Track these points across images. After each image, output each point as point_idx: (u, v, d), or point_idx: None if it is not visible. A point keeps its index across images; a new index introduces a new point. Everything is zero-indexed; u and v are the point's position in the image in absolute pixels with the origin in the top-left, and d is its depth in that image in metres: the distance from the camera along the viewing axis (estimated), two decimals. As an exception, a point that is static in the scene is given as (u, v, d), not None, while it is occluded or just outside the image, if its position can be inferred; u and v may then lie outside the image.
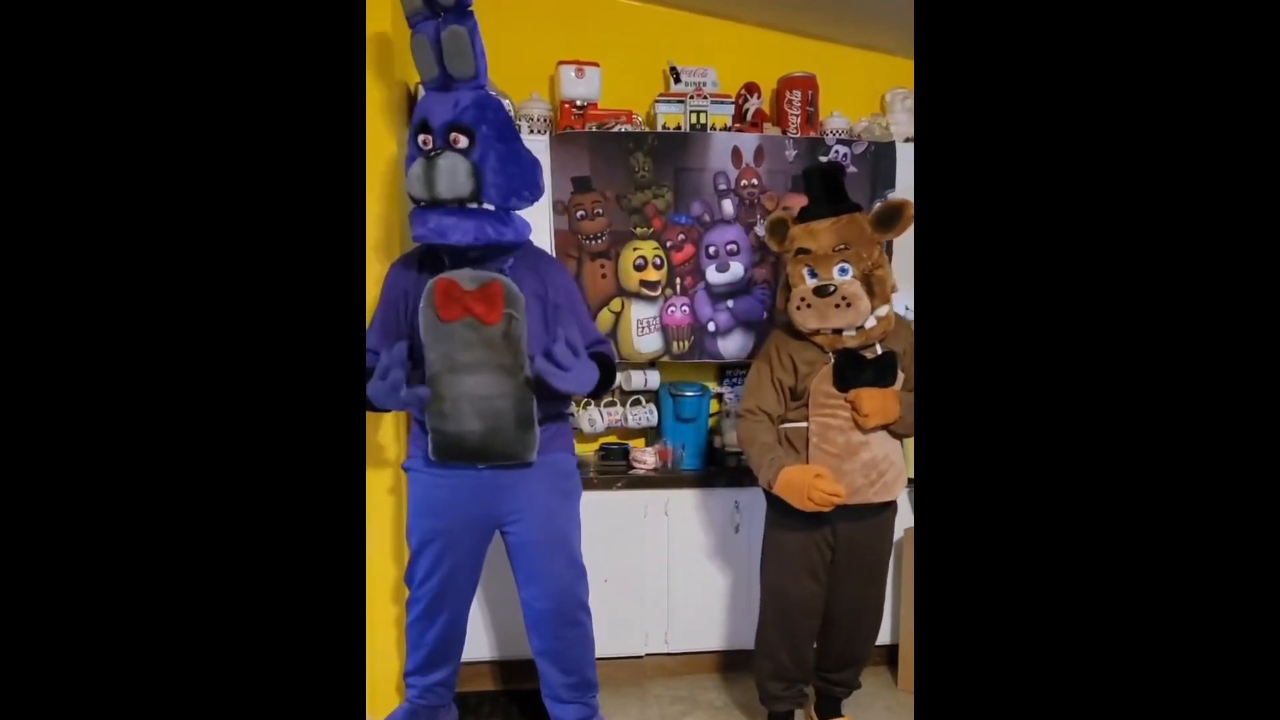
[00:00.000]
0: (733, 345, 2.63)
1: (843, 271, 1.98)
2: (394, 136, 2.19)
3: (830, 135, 2.66)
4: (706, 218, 2.58)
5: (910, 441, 2.48)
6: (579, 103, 2.59)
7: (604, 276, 2.55)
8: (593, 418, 2.65)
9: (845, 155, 2.61)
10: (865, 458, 1.97)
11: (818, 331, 2.00)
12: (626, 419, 2.70)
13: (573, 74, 2.59)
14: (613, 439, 2.79)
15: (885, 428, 2.01)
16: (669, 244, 2.57)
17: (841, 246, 1.98)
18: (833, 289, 1.95)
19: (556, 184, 2.47)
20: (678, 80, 2.69)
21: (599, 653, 2.10)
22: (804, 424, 2.02)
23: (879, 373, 1.99)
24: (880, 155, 2.63)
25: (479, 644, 2.43)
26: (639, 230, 2.56)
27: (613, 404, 2.72)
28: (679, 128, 2.61)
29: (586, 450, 2.70)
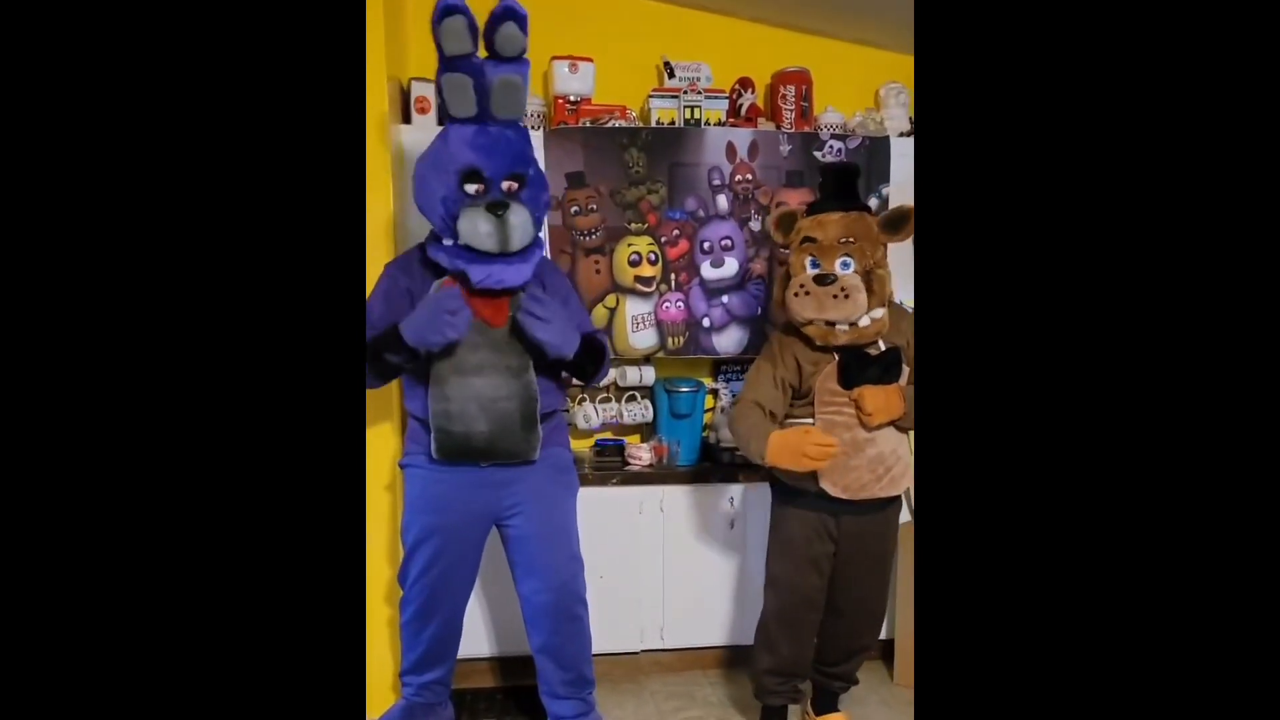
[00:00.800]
0: (728, 341, 2.63)
1: (845, 265, 1.97)
2: (386, 134, 2.18)
3: (824, 130, 2.66)
4: (701, 213, 2.58)
5: (910, 436, 2.49)
6: (573, 98, 2.58)
7: (598, 272, 2.55)
8: (588, 414, 2.64)
9: (840, 150, 2.61)
10: (871, 453, 1.97)
11: (810, 323, 1.98)
12: (622, 415, 2.70)
13: (566, 69, 2.58)
14: (608, 435, 2.79)
15: (891, 424, 2.00)
16: (663, 239, 2.56)
17: (847, 239, 1.98)
18: (832, 279, 1.95)
19: (550, 180, 2.46)
20: (672, 75, 2.68)
21: (595, 649, 2.10)
22: (809, 421, 2.02)
23: (884, 369, 1.99)
24: (875, 150, 2.63)
25: (476, 641, 2.42)
26: (633, 226, 2.55)
27: (608, 400, 2.72)
28: (673, 123, 2.60)
29: (582, 447, 2.69)
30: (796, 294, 1.98)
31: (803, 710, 2.30)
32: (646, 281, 2.57)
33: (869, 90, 2.89)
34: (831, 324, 1.98)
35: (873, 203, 2.61)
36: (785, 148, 2.59)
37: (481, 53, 1.82)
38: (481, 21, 1.79)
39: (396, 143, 2.29)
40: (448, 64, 1.80)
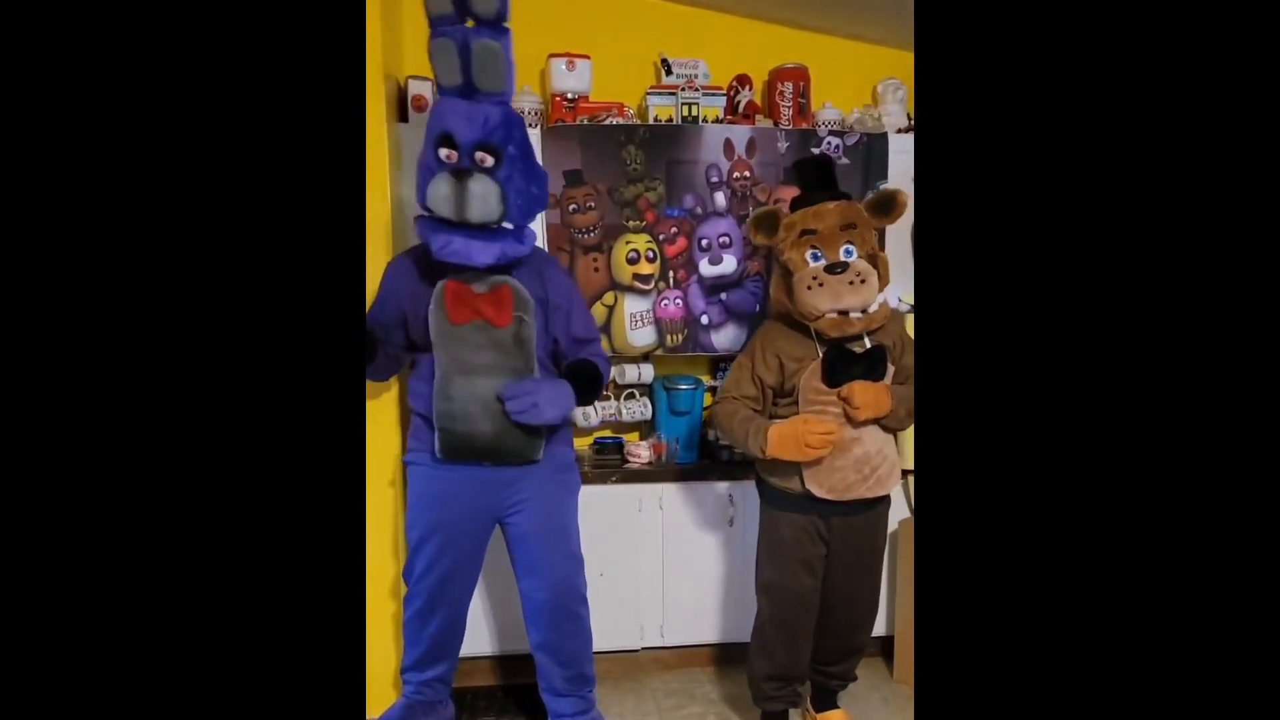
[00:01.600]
0: (726, 338, 2.62)
1: (848, 253, 1.93)
2: (383, 132, 2.17)
3: (822, 126, 2.66)
4: (699, 210, 2.57)
5: (909, 433, 2.48)
6: (570, 95, 2.58)
7: (596, 270, 2.54)
8: (586, 412, 2.64)
9: (837, 147, 2.60)
10: (858, 453, 1.96)
11: (822, 316, 1.93)
12: (620, 413, 2.70)
13: (563, 67, 2.58)
14: (607, 433, 2.79)
15: (877, 421, 1.99)
16: (661, 237, 2.56)
17: (848, 225, 1.94)
18: (844, 266, 1.90)
19: (548, 177, 2.46)
20: (669, 72, 2.68)
21: (594, 647, 2.10)
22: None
23: (869, 367, 1.96)
24: (872, 146, 2.62)
25: (476, 639, 2.42)
26: (631, 224, 2.55)
27: (606, 398, 2.71)
28: (670, 120, 2.60)
29: (581, 445, 2.69)
30: (810, 287, 1.91)
31: (803, 709, 2.30)
32: (645, 279, 2.57)
33: (866, 87, 2.89)
34: (844, 313, 1.93)
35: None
36: (783, 144, 2.59)
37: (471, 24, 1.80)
38: None
39: (393, 141, 2.28)
40: (434, 28, 1.78)
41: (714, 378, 2.84)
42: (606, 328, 2.56)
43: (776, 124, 2.67)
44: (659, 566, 2.54)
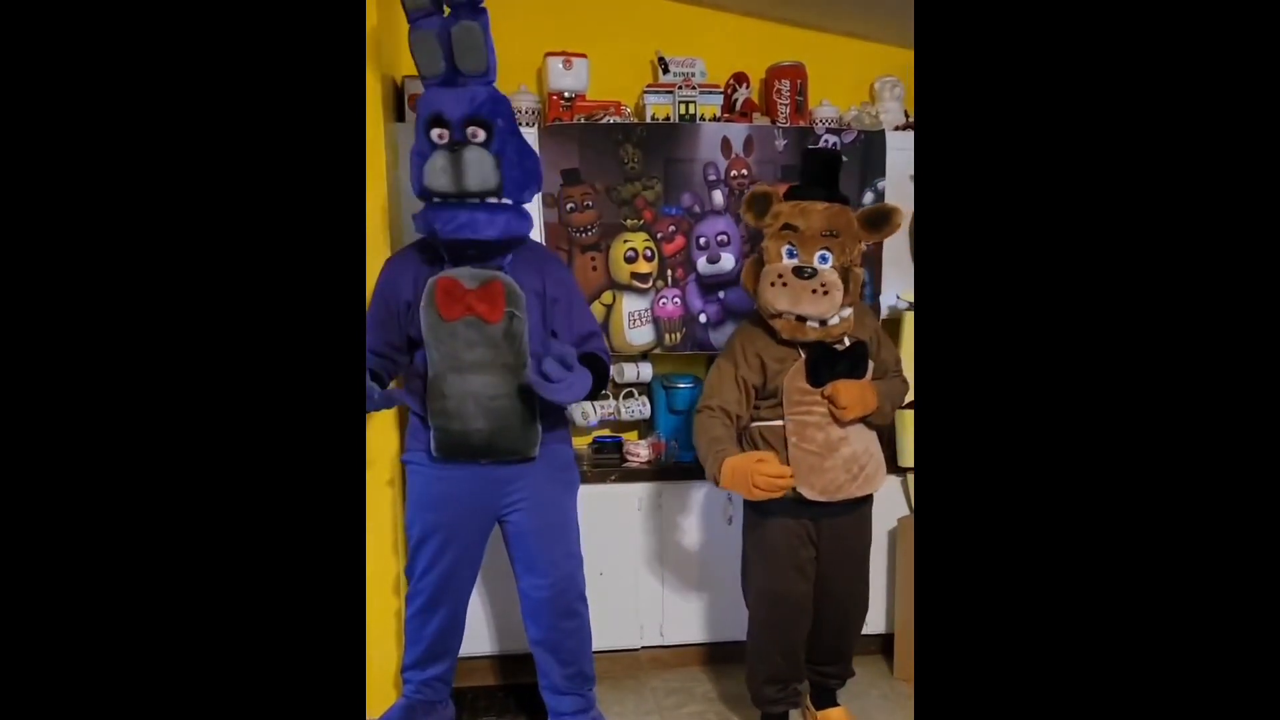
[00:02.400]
0: (725, 337, 2.61)
1: (823, 259, 1.92)
2: (380, 131, 2.17)
3: (820, 124, 2.66)
4: (697, 209, 2.57)
5: (908, 431, 2.48)
6: (567, 94, 2.57)
7: (595, 269, 2.54)
8: (585, 411, 2.64)
9: (835, 144, 2.60)
10: (846, 453, 1.96)
11: (780, 315, 1.92)
12: (619, 412, 2.70)
13: (560, 65, 2.57)
14: (606, 432, 2.79)
15: (863, 419, 1.98)
16: (659, 236, 2.56)
17: (830, 233, 1.92)
18: (812, 272, 1.89)
19: (546, 177, 2.45)
20: (666, 71, 2.68)
21: (594, 646, 2.10)
22: (779, 422, 1.98)
23: (852, 365, 1.96)
24: (870, 144, 2.62)
25: (476, 638, 2.42)
26: (629, 222, 2.54)
27: (605, 397, 2.71)
28: (668, 119, 2.60)
29: (580, 444, 2.69)
30: (774, 284, 1.91)
31: (802, 707, 2.30)
32: (643, 278, 2.56)
33: (864, 84, 2.88)
34: (802, 319, 1.93)
35: (868, 197, 2.61)
36: (780, 142, 2.59)
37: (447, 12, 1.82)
38: None
39: (390, 140, 2.28)
40: (411, 22, 1.80)
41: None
42: (605, 327, 2.55)
43: (774, 122, 2.67)
44: (658, 565, 2.54)
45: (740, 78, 2.71)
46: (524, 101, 2.55)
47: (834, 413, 1.93)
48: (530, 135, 2.44)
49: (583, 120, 2.53)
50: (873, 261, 2.63)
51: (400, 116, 2.45)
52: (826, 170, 2.03)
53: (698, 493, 2.54)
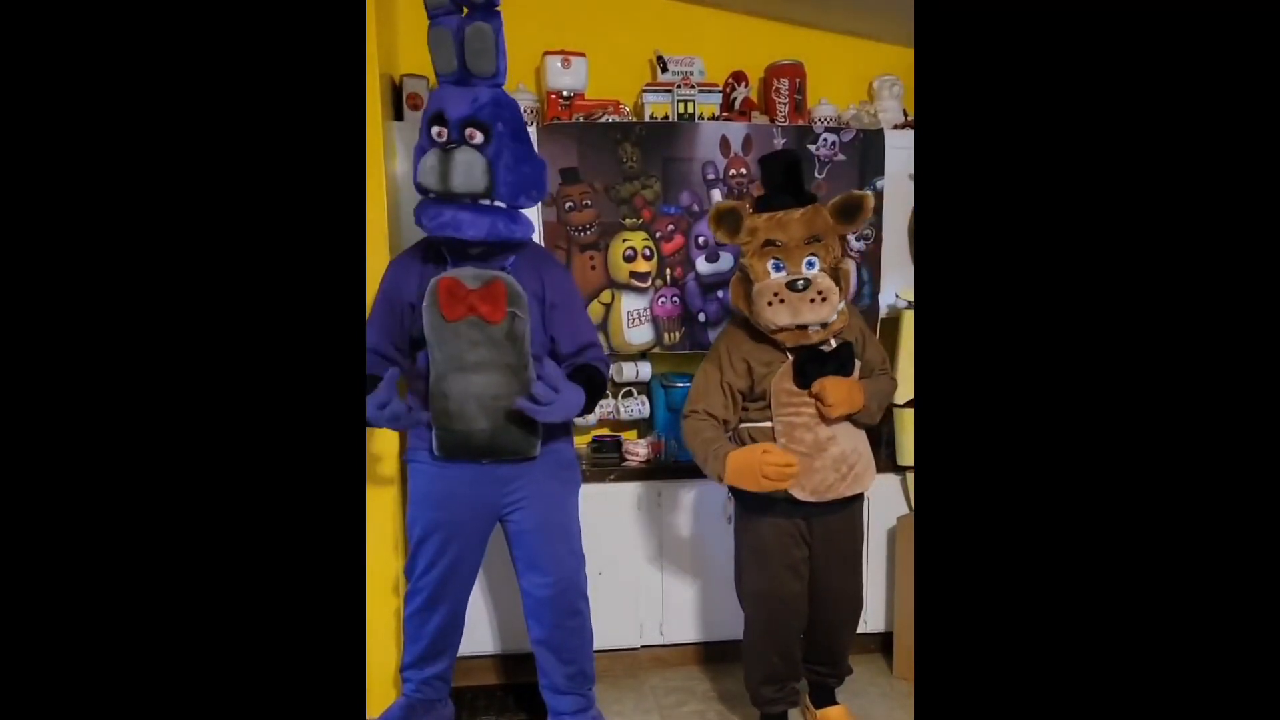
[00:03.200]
0: (724, 335, 2.62)
1: (810, 265, 1.91)
2: (379, 129, 2.17)
3: (818, 123, 2.65)
4: (695, 208, 2.57)
5: (908, 429, 2.48)
6: (565, 93, 2.57)
7: (593, 268, 2.54)
8: (584, 410, 2.64)
9: (834, 143, 2.60)
10: (834, 453, 1.96)
11: (782, 329, 1.93)
12: (619, 411, 2.70)
13: (559, 64, 2.57)
14: (605, 431, 2.79)
15: (850, 417, 1.98)
16: (658, 234, 2.56)
17: (812, 239, 1.92)
18: (804, 284, 1.89)
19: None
20: (665, 70, 2.68)
21: (594, 645, 2.10)
22: (767, 424, 1.99)
23: (839, 365, 1.96)
24: (869, 143, 2.62)
25: (476, 638, 2.42)
26: (628, 221, 2.54)
27: (605, 396, 2.71)
28: (666, 117, 2.60)
29: (579, 443, 2.68)
30: (771, 303, 1.90)
31: (802, 706, 2.30)
32: (642, 277, 2.56)
33: (863, 83, 2.88)
34: (804, 326, 1.93)
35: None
36: (779, 141, 2.59)
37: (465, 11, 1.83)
38: None
39: (389, 140, 2.28)
40: (431, 18, 1.82)
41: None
42: (604, 326, 2.55)
43: (773, 121, 2.67)
44: (658, 564, 2.54)
45: (739, 76, 2.71)
46: (523, 100, 2.55)
47: (821, 410, 1.93)
48: (529, 134, 2.44)
49: (581, 119, 2.53)
50: (872, 261, 2.63)
51: (399, 115, 2.45)
52: (789, 174, 2.00)
53: (696, 491, 2.54)
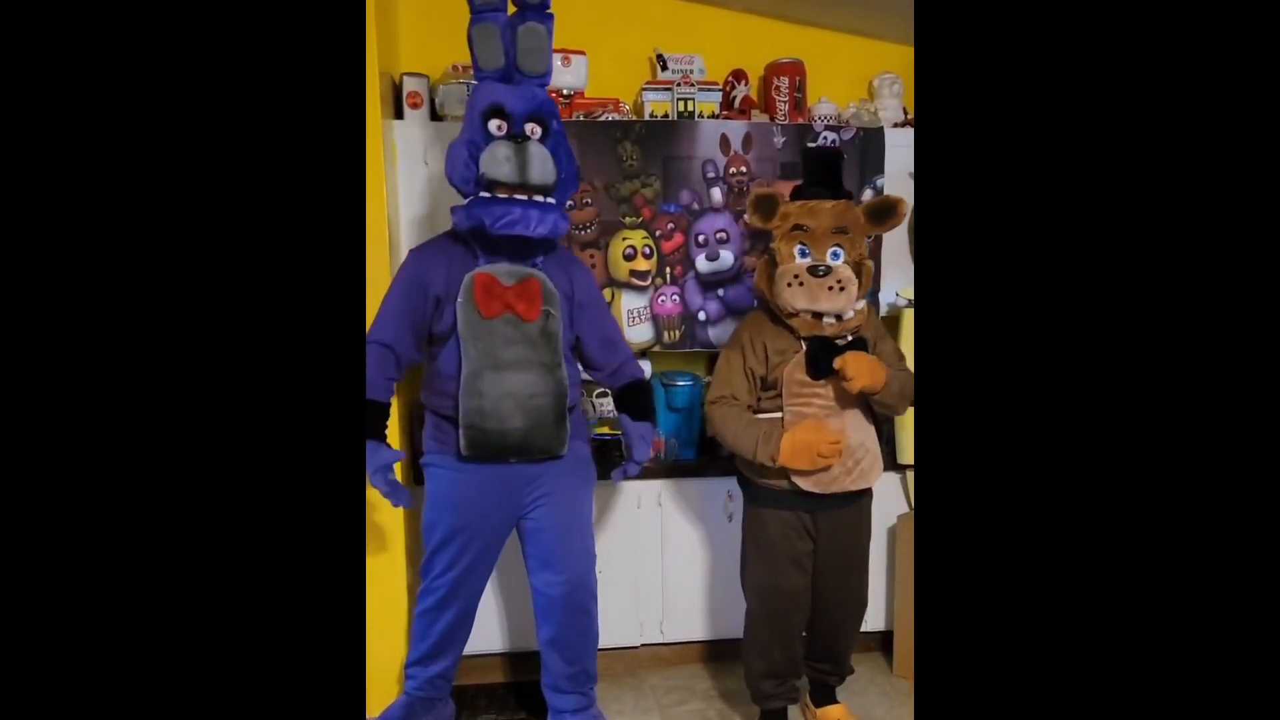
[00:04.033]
0: (724, 334, 2.61)
1: (835, 255, 1.95)
2: (379, 129, 2.17)
3: (818, 121, 2.65)
4: (695, 206, 2.57)
5: (908, 428, 2.48)
6: (565, 92, 2.57)
7: (594, 267, 2.54)
8: (586, 409, 2.64)
9: (834, 141, 2.60)
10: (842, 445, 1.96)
11: (797, 314, 1.95)
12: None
13: (559, 63, 2.57)
14: (606, 430, 2.78)
15: (868, 403, 1.99)
16: (658, 233, 2.56)
17: (839, 229, 1.95)
18: (826, 270, 1.92)
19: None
20: (665, 68, 2.67)
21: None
22: (778, 414, 2.00)
23: None
24: (869, 141, 2.62)
25: (477, 636, 2.41)
26: (628, 220, 2.54)
27: (605, 395, 2.71)
28: (666, 116, 2.59)
29: (579, 442, 2.69)
30: (791, 284, 1.94)
31: (802, 704, 2.30)
32: (642, 275, 2.56)
33: (863, 81, 2.88)
34: (818, 316, 1.95)
35: (867, 194, 2.60)
36: (779, 140, 2.59)
37: (511, 9, 1.87)
38: None
39: (389, 139, 2.28)
40: (476, 14, 1.83)
41: (712, 374, 2.83)
42: (604, 324, 2.55)
43: (772, 119, 2.67)
44: (658, 563, 2.54)
45: (739, 75, 2.70)
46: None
47: (841, 385, 1.93)
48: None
49: (581, 118, 2.53)
50: (872, 259, 2.63)
51: (398, 114, 2.45)
52: (828, 168, 2.05)
53: (697, 490, 2.54)
